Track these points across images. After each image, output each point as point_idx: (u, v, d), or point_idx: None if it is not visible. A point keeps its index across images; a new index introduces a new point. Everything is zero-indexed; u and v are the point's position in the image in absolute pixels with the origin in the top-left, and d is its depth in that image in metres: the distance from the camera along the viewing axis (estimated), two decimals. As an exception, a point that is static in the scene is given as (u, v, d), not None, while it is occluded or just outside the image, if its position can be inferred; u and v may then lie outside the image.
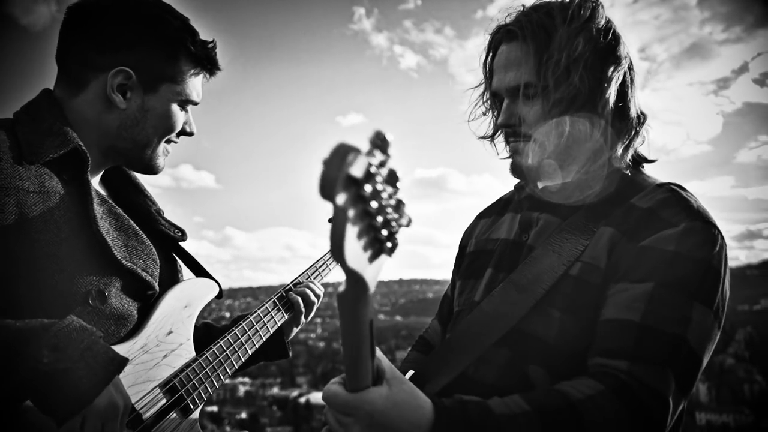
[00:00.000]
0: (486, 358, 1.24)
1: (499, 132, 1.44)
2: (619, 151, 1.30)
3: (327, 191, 0.60)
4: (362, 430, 0.88)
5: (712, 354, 1.16)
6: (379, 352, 0.90)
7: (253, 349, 1.60)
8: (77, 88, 1.35)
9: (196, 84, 1.44)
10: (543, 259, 1.25)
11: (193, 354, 1.46)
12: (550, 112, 1.24)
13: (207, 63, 1.43)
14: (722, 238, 1.18)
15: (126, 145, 1.39)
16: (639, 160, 1.37)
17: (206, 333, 1.65)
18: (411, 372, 1.33)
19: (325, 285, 1.91)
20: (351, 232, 0.63)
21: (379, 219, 0.66)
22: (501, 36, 1.33)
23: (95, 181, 1.42)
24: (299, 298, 1.74)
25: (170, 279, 1.50)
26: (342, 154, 0.60)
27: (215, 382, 1.47)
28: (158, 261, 1.42)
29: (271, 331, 1.66)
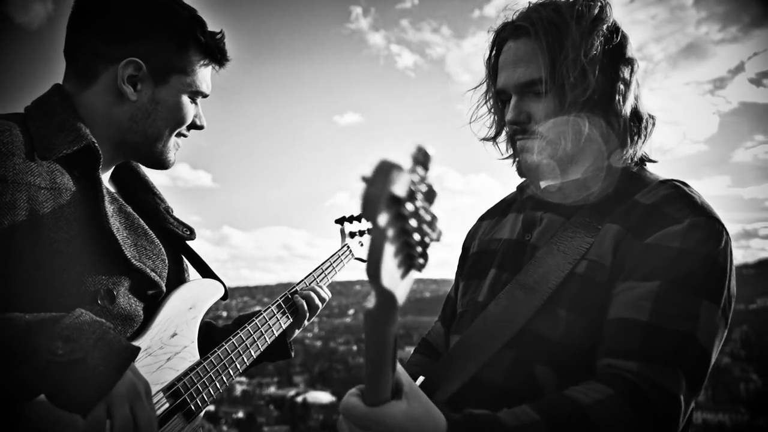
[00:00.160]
0: (492, 360, 1.23)
1: (502, 131, 1.43)
2: (630, 151, 1.29)
3: (369, 212, 0.59)
4: None
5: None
6: (398, 365, 0.89)
7: (258, 352, 1.57)
8: (87, 81, 1.33)
9: (205, 75, 1.43)
10: (548, 259, 1.24)
11: (197, 357, 1.43)
12: (565, 111, 1.24)
13: (217, 53, 1.42)
14: (727, 233, 1.17)
15: (137, 138, 1.37)
16: (642, 158, 1.37)
17: (208, 333, 1.62)
18: (421, 378, 1.31)
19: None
20: (388, 251, 0.62)
21: (416, 237, 0.65)
22: (508, 33, 1.32)
23: (105, 178, 1.40)
24: (304, 302, 1.71)
25: (177, 279, 1.48)
26: (385, 172, 0.59)
27: (219, 386, 1.44)
28: (167, 261, 1.41)
29: (276, 335, 1.64)
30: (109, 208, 1.28)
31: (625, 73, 1.25)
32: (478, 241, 1.52)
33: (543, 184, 1.37)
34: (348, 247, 2.03)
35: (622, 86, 1.25)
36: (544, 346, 1.18)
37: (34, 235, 1.15)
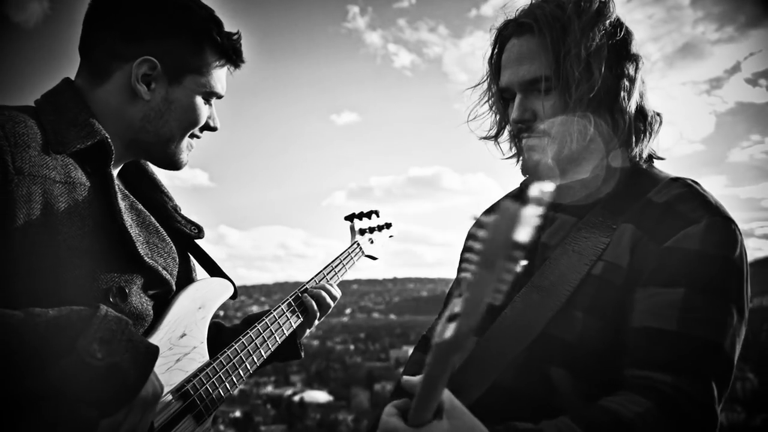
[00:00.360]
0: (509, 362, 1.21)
1: (504, 130, 1.42)
2: (637, 149, 1.29)
3: (487, 261, 0.60)
4: None
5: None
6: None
7: (268, 352, 1.54)
8: (101, 78, 1.31)
9: (221, 76, 1.40)
10: (563, 260, 1.22)
11: (207, 358, 1.39)
12: (571, 109, 1.22)
13: (233, 54, 1.40)
14: (740, 233, 1.17)
15: (149, 138, 1.35)
16: (650, 155, 1.36)
17: (217, 333, 1.59)
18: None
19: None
20: (488, 293, 0.64)
21: (508, 277, 0.65)
22: (511, 30, 1.30)
23: (115, 175, 1.37)
24: (313, 302, 1.68)
25: (186, 278, 1.46)
26: (512, 219, 0.60)
27: (229, 387, 1.41)
28: (177, 259, 1.39)
29: (287, 334, 1.61)
30: (122, 205, 1.26)
31: (630, 69, 1.25)
32: None
33: (554, 182, 1.35)
34: (358, 244, 1.99)
35: (627, 83, 1.24)
36: (559, 347, 1.17)
37: (48, 230, 1.12)
